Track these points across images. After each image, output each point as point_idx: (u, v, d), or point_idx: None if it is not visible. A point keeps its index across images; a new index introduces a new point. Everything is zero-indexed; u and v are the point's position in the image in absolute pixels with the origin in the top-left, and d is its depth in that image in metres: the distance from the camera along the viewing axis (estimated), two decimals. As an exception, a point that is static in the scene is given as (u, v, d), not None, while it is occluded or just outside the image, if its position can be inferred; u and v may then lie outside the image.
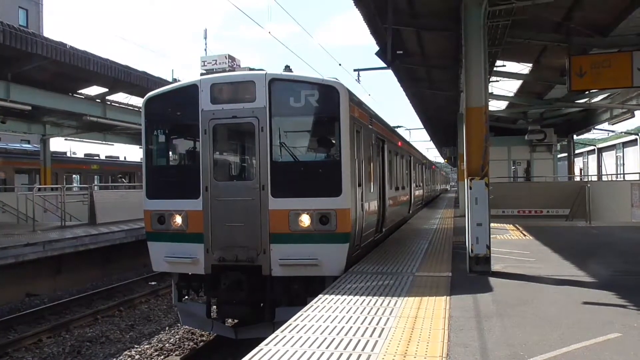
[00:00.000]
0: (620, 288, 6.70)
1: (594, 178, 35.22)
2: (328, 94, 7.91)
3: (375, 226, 10.40)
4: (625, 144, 33.88)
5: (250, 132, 8.10)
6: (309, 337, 4.87)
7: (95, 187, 22.12)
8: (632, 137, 30.97)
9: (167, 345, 9.75)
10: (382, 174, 11.60)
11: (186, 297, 9.02)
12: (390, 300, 6.17)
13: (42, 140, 23.32)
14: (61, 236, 14.37)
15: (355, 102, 8.81)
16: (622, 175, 31.59)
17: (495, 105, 23.39)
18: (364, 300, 6.21)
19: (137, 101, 20.57)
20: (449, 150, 44.49)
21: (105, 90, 19.61)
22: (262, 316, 8.14)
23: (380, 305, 5.98)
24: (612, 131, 32.59)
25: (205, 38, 47.96)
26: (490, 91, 18.52)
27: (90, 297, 13.17)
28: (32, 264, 13.08)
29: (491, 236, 7.94)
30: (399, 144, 15.55)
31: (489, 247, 7.80)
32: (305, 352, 4.49)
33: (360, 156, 8.90)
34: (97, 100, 20.18)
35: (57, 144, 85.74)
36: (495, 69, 16.06)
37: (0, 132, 28.07)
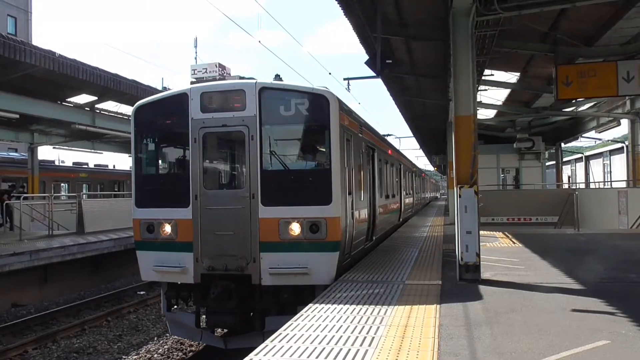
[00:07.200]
0: (609, 295, 6.74)
1: (582, 185, 35.54)
2: (318, 103, 7.93)
3: (365, 234, 10.41)
4: (612, 152, 34.26)
5: (240, 140, 8.09)
6: (299, 347, 4.85)
7: (84, 195, 21.92)
8: (619, 145, 31.32)
9: (155, 355, 9.65)
10: (372, 182, 11.62)
11: (175, 306, 8.93)
12: (380, 309, 6.16)
13: (30, 149, 23.12)
14: (48, 245, 14.20)
15: (345, 111, 8.83)
16: (609, 183, 31.91)
17: (484, 114, 23.63)
18: (355, 309, 6.19)
19: (127, 109, 20.47)
20: (438, 159, 44.76)
21: (94, 98, 19.51)
22: (251, 325, 8.09)
23: (371, 314, 5.97)
24: (599, 139, 33.03)
25: (196, 47, 48.05)
26: (478, 100, 18.76)
27: (77, 307, 13.02)
28: (18, 273, 12.92)
29: (481, 244, 7.96)
30: (389, 152, 15.61)
31: (478, 255, 7.82)
32: (295, 361, 4.47)
33: (350, 164, 8.91)
34: (86, 108, 20.07)
35: (46, 152, 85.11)
36: (483, 77, 16.24)
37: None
